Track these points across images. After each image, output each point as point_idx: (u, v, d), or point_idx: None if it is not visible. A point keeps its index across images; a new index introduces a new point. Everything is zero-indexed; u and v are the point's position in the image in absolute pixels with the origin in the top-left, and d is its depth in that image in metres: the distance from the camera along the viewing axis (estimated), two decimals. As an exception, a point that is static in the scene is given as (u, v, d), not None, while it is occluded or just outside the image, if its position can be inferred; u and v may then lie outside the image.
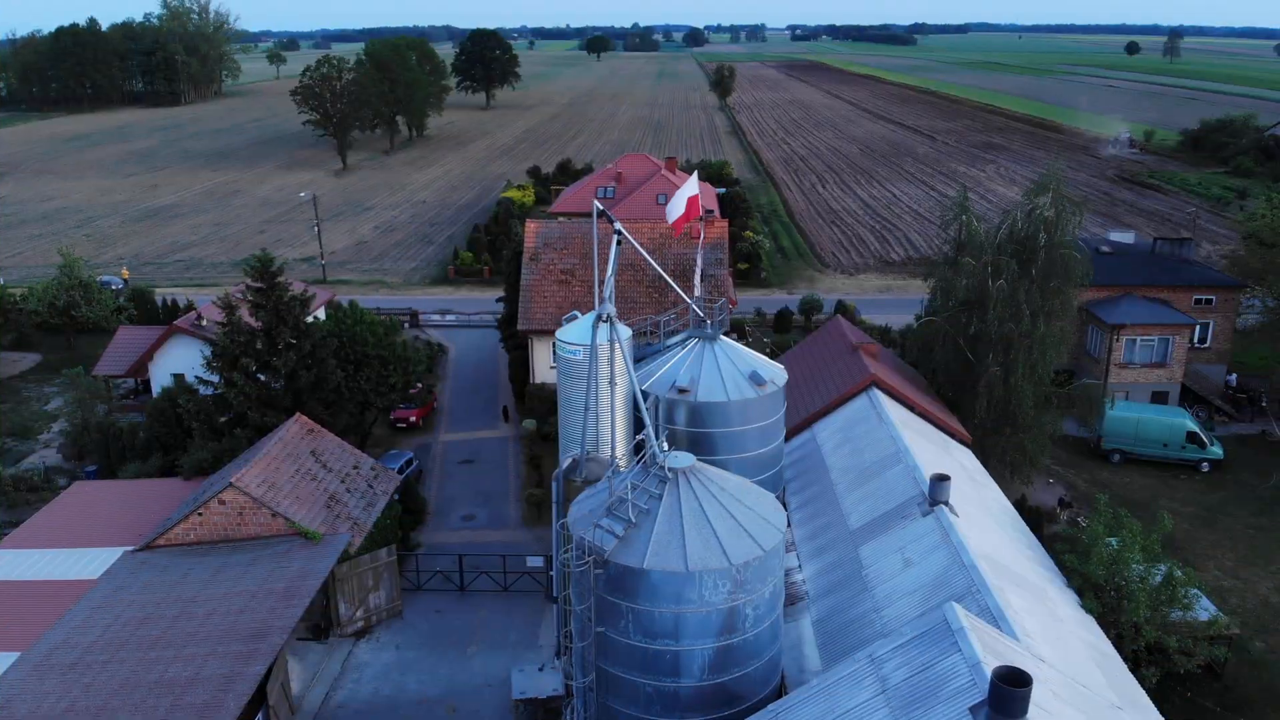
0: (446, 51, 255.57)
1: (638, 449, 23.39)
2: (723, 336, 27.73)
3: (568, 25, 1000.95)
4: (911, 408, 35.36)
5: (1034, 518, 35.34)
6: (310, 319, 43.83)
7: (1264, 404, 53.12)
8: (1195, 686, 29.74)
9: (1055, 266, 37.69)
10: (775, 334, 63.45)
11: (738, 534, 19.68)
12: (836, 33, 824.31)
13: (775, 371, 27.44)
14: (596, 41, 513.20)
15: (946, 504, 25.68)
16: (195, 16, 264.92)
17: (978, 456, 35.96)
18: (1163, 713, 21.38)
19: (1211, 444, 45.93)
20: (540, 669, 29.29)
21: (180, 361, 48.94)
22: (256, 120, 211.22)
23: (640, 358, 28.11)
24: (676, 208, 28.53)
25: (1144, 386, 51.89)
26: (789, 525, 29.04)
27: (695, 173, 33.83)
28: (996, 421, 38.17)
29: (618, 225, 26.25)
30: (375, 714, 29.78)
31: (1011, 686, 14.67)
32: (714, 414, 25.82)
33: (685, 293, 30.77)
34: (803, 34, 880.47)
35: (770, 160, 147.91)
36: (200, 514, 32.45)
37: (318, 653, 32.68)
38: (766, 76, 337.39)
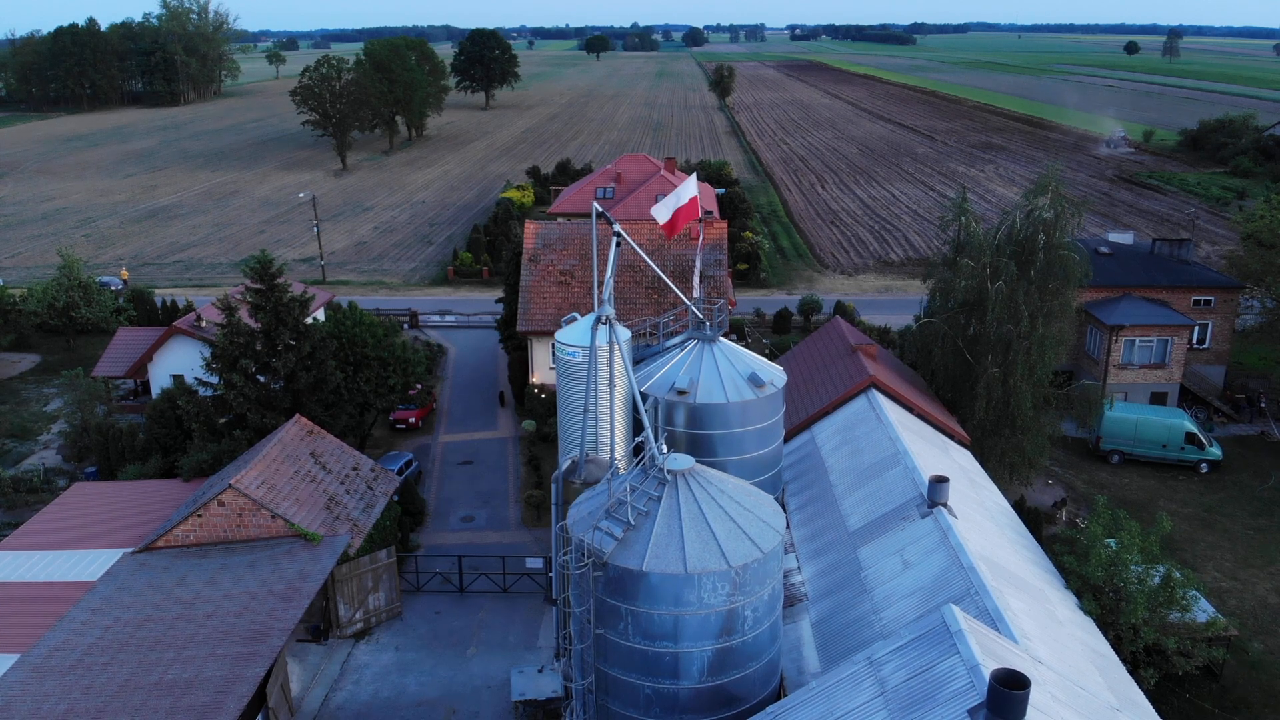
0: (446, 51, 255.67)
1: (637, 451, 23.42)
2: (721, 338, 27.74)
3: (567, 25, 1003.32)
4: (910, 409, 35.38)
5: (1033, 519, 35.38)
6: (310, 320, 43.85)
7: (1263, 404, 53.18)
8: (1194, 688, 29.81)
9: (1054, 267, 37.73)
10: (774, 335, 63.49)
11: (737, 536, 19.70)
12: (836, 32, 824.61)
13: (774, 373, 27.44)
14: (596, 41, 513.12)
15: (945, 505, 25.71)
16: (195, 16, 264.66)
17: (976, 458, 36.00)
18: (1161, 714, 21.43)
19: (1210, 445, 45.96)
20: (540, 670, 29.36)
21: (180, 363, 49.05)
22: (256, 120, 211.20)
23: (639, 359, 28.12)
24: (664, 211, 27.78)
25: (1143, 387, 51.95)
26: (788, 527, 29.07)
27: (694, 173, 33.83)
28: (995, 422, 38.21)
29: (617, 226, 26.24)
30: (375, 715, 29.80)
31: (1010, 689, 14.70)
32: (713, 416, 25.83)
33: (684, 294, 30.77)
34: (802, 34, 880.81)
35: (769, 160, 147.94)
36: (200, 515, 32.49)
37: (317, 654, 32.71)
38: (766, 76, 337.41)
